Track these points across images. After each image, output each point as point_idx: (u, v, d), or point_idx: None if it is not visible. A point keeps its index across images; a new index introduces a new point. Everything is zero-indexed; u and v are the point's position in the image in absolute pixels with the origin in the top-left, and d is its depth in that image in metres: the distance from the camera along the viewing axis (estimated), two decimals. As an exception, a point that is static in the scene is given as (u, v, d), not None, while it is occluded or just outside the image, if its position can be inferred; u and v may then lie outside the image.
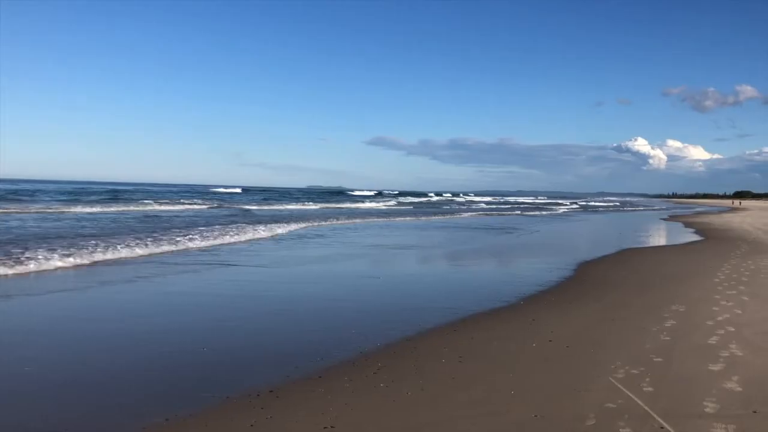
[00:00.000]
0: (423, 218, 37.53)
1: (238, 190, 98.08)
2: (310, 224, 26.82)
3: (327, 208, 48.28)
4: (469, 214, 44.91)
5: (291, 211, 42.02)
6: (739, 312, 8.60)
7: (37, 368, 5.89)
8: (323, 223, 28.46)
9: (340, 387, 5.44)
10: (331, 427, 4.51)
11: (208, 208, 41.86)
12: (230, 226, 22.60)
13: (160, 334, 7.38)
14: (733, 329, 7.51)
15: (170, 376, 5.79)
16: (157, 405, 4.99)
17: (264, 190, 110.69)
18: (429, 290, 11.12)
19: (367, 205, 58.28)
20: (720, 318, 8.18)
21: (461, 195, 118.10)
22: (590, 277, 12.44)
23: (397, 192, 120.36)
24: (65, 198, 47.02)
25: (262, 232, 21.07)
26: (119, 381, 5.61)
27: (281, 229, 22.85)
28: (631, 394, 5.10)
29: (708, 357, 6.29)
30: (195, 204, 44.99)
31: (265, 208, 45.42)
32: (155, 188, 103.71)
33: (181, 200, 49.25)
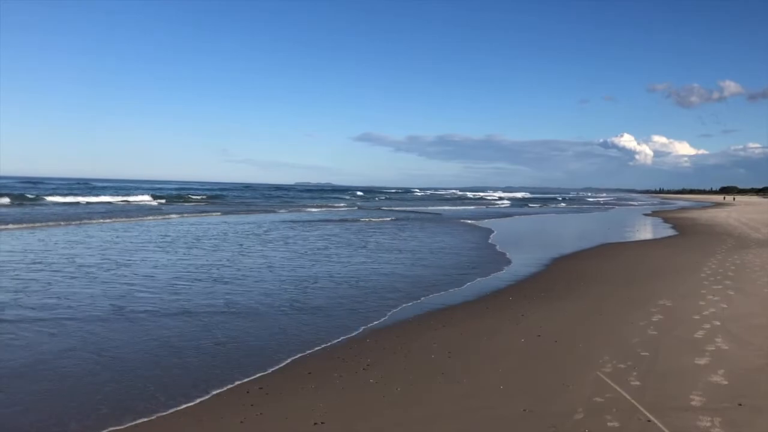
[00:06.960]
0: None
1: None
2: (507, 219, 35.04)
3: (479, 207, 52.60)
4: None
5: (456, 211, 44.32)
6: (725, 306, 8.69)
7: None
8: (507, 217, 35.96)
9: (330, 383, 5.44)
10: (321, 423, 4.51)
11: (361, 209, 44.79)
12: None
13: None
14: (719, 323, 7.59)
15: (157, 372, 5.76)
16: (145, 402, 4.97)
17: (338, 190, 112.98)
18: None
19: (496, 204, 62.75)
20: (706, 312, 8.26)
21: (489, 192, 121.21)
22: (579, 272, 12.51)
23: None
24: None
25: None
26: (105, 377, 5.57)
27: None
28: (618, 388, 5.14)
29: (694, 351, 6.35)
30: (348, 207, 47.74)
31: (431, 209, 45.94)
32: (162, 186, 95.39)
33: (327, 204, 51.01)
